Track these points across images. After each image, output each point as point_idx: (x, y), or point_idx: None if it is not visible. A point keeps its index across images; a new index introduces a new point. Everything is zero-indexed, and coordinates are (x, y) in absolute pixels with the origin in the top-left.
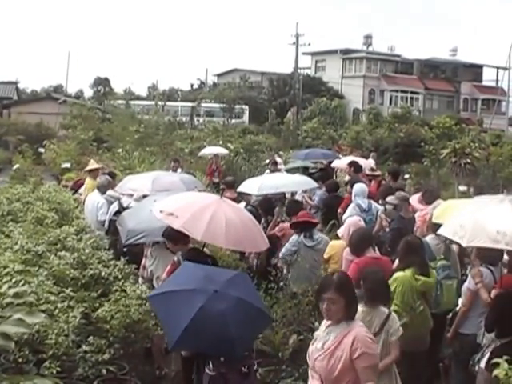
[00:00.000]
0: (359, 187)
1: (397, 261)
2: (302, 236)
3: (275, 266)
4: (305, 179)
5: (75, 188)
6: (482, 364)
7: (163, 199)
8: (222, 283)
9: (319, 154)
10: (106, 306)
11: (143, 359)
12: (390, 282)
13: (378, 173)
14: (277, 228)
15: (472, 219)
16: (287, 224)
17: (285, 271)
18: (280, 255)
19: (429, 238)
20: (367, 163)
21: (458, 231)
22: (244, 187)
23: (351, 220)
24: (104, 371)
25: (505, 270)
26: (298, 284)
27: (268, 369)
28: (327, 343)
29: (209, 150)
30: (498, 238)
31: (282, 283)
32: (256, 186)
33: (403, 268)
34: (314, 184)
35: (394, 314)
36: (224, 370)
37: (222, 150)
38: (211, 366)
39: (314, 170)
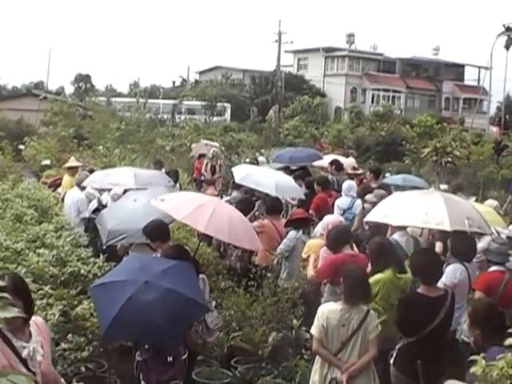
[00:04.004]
0: (345, 184)
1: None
2: (300, 232)
3: (255, 264)
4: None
5: (53, 186)
6: (391, 360)
7: (143, 197)
8: (155, 274)
9: (303, 158)
10: (85, 304)
11: (122, 357)
12: (371, 283)
13: (360, 171)
14: (255, 223)
15: (401, 204)
16: (267, 221)
17: (280, 267)
18: (278, 250)
19: (396, 235)
20: (348, 162)
21: (388, 214)
22: (256, 184)
23: (330, 218)
24: (83, 369)
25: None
26: (290, 280)
27: (247, 366)
28: None
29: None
30: (426, 219)
31: (270, 280)
32: (272, 185)
33: (381, 269)
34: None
35: (372, 311)
36: (147, 357)
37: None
38: (139, 352)
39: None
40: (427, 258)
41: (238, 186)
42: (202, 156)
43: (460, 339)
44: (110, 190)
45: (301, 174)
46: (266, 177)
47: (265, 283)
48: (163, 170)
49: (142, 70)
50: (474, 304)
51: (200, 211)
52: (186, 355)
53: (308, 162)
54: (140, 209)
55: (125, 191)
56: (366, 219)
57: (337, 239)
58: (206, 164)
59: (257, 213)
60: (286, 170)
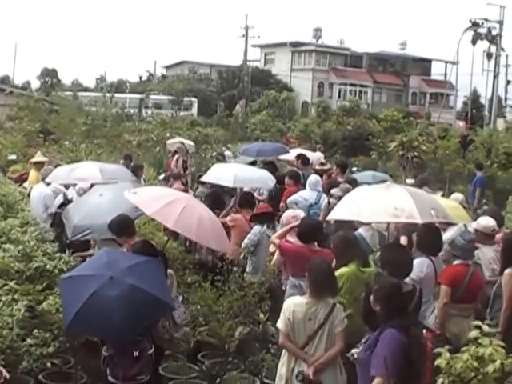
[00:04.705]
0: (310, 179)
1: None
2: (264, 227)
3: (222, 258)
4: (269, 176)
5: (19, 181)
6: (356, 355)
7: (108, 192)
8: (121, 270)
9: (270, 151)
10: (50, 299)
11: (89, 352)
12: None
13: (327, 167)
14: (228, 218)
15: (367, 200)
16: (239, 215)
17: (245, 262)
18: (243, 245)
19: (362, 230)
20: (315, 156)
21: (354, 211)
22: (216, 179)
23: (285, 215)
24: (49, 364)
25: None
26: (256, 274)
27: (214, 361)
28: None
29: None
30: (397, 213)
31: (236, 274)
32: (230, 177)
33: (345, 263)
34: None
35: (339, 305)
36: (113, 353)
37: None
38: (105, 347)
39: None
40: (398, 254)
41: (203, 182)
42: (176, 152)
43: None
44: (75, 185)
45: (268, 168)
46: (225, 170)
47: (231, 278)
48: (132, 165)
49: (109, 65)
50: (381, 281)
51: (170, 207)
52: (152, 350)
53: (275, 155)
54: (105, 204)
55: (91, 186)
56: (329, 217)
57: (307, 232)
58: (177, 160)
59: (233, 209)
60: (255, 165)
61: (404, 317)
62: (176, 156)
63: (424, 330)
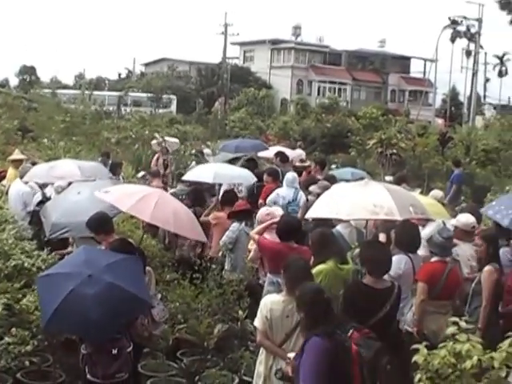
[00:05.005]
0: (287, 176)
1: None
2: (243, 224)
3: (200, 255)
4: (249, 174)
5: None
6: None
7: (87, 189)
8: (99, 268)
9: (249, 147)
10: (29, 297)
11: (67, 350)
12: (314, 274)
13: (307, 164)
14: (211, 216)
15: (345, 197)
16: (222, 213)
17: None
18: (221, 243)
19: (340, 227)
20: (295, 154)
21: (333, 209)
22: (196, 176)
23: (259, 212)
24: (27, 363)
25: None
26: (235, 272)
27: (193, 358)
28: None
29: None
30: (376, 210)
31: (215, 272)
32: (210, 174)
33: (323, 260)
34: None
35: None
36: (92, 351)
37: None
38: (84, 345)
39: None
40: (377, 251)
41: (184, 180)
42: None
43: (403, 329)
44: (53, 183)
45: (249, 165)
46: (205, 169)
47: (210, 275)
48: (110, 162)
49: (88, 62)
50: (301, 286)
51: (144, 202)
52: (131, 348)
53: (254, 151)
54: (83, 201)
55: (69, 184)
56: (308, 216)
57: (285, 230)
58: (157, 158)
59: (216, 208)
60: (233, 162)
61: (330, 322)
62: (156, 155)
63: (351, 330)
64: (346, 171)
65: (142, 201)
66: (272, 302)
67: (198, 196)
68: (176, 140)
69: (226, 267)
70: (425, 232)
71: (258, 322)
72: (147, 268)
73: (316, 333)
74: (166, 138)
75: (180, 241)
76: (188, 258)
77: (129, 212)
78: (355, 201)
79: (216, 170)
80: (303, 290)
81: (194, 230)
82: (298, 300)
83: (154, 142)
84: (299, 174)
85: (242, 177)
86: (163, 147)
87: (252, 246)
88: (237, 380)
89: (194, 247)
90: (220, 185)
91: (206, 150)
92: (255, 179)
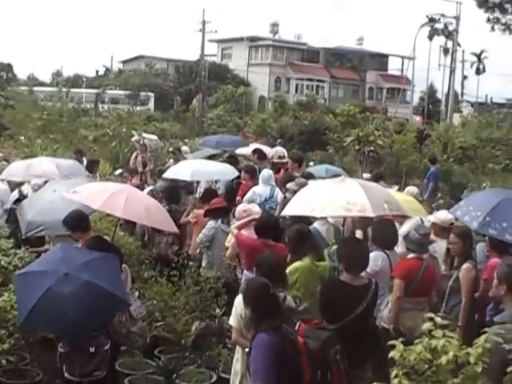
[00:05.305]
0: (263, 173)
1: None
2: (219, 221)
3: (177, 252)
4: (230, 169)
5: None
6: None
7: (63, 188)
8: (76, 266)
9: (229, 143)
10: (5, 296)
11: (45, 349)
12: (290, 271)
13: (285, 160)
14: (191, 215)
15: (320, 194)
16: (202, 211)
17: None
18: (198, 240)
19: (317, 224)
20: (273, 151)
21: (307, 206)
22: (174, 174)
23: (237, 209)
24: (4, 362)
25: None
26: (212, 269)
27: (171, 356)
28: None
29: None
30: (349, 207)
31: (192, 269)
32: (188, 171)
33: (300, 257)
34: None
35: (290, 297)
36: (69, 349)
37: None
38: (61, 344)
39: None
40: (355, 248)
41: (164, 178)
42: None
43: (380, 326)
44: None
45: (230, 161)
46: (183, 166)
47: (187, 273)
48: (84, 160)
49: (65, 59)
50: (247, 282)
51: (114, 198)
52: (108, 345)
53: (233, 147)
54: (59, 200)
55: (45, 182)
56: (284, 213)
57: (264, 228)
58: (136, 156)
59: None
60: (212, 159)
61: (276, 317)
62: (135, 153)
63: (299, 322)
64: (321, 168)
65: (112, 197)
66: None
67: (172, 193)
68: (155, 137)
69: (203, 265)
70: (402, 229)
71: (232, 321)
72: (123, 265)
73: (262, 329)
74: (145, 135)
75: (157, 238)
76: (165, 255)
77: (101, 209)
78: (329, 198)
79: (194, 168)
80: (249, 285)
81: (167, 222)
82: (244, 295)
83: (134, 138)
84: (278, 171)
85: (222, 172)
86: (142, 145)
87: (229, 243)
88: (215, 377)
89: (172, 244)
90: (198, 182)
91: (184, 148)
92: (236, 173)
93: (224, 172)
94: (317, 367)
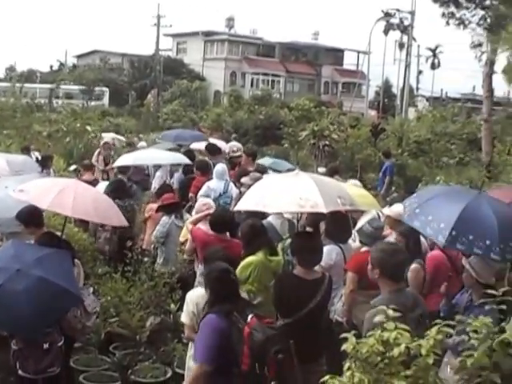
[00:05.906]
0: (217, 168)
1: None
2: (172, 217)
3: (131, 248)
4: (177, 155)
5: None
6: None
7: (15, 184)
8: (28, 262)
9: (188, 137)
10: None
11: None
12: (244, 266)
13: (238, 154)
14: (146, 209)
15: (273, 190)
16: (155, 205)
17: (156, 252)
18: (153, 237)
19: (271, 218)
20: (229, 145)
21: (261, 201)
22: (119, 161)
23: (197, 204)
24: None
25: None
26: (167, 265)
27: (125, 352)
28: None
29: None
30: (301, 203)
31: (147, 265)
32: (130, 157)
33: (253, 252)
34: (185, 160)
35: (243, 292)
36: (23, 346)
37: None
38: (14, 341)
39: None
40: (308, 242)
41: (123, 171)
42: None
43: (333, 319)
44: None
45: (187, 156)
46: (128, 155)
47: (142, 268)
48: (33, 156)
49: (19, 54)
50: (210, 265)
51: (62, 196)
52: (62, 342)
53: (192, 141)
54: (10, 196)
55: None
56: (237, 208)
57: (219, 223)
58: (99, 154)
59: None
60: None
61: (231, 302)
62: (98, 150)
63: (251, 315)
64: (270, 161)
65: (59, 196)
66: (198, 296)
67: (118, 187)
68: (122, 138)
69: (158, 261)
70: (358, 223)
71: (184, 318)
72: (75, 260)
73: (213, 311)
74: (115, 136)
75: (98, 234)
76: (103, 251)
77: (50, 209)
78: (282, 193)
79: (136, 155)
80: (211, 268)
81: (116, 216)
82: (205, 277)
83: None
84: (234, 166)
85: (164, 158)
86: (105, 143)
87: (183, 238)
88: (170, 373)
89: (110, 240)
90: (153, 178)
91: (142, 143)
92: (184, 159)
93: (167, 158)
94: (256, 360)
